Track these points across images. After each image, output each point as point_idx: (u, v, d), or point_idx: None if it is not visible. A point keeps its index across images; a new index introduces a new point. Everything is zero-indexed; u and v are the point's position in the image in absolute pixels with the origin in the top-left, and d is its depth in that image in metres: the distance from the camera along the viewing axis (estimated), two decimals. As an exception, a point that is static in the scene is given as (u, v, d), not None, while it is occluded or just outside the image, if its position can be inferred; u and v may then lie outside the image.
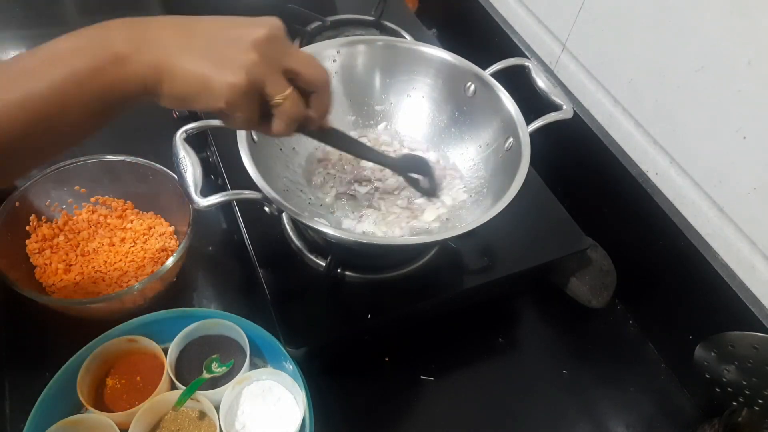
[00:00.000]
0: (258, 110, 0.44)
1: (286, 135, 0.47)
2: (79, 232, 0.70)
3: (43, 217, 0.69)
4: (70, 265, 0.67)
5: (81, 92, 0.39)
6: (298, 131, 0.48)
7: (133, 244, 0.70)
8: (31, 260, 0.67)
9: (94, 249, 0.68)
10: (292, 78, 0.44)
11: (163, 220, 0.72)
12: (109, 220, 0.71)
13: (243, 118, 0.43)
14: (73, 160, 0.68)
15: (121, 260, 0.68)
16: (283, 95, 0.43)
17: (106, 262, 0.68)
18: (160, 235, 0.70)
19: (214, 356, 0.60)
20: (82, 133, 0.42)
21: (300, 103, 0.45)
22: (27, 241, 0.67)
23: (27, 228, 0.67)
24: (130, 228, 0.71)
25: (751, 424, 0.61)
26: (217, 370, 0.59)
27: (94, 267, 0.67)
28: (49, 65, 0.39)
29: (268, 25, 0.43)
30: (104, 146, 0.71)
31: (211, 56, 0.41)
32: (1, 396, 0.60)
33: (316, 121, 0.48)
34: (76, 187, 0.70)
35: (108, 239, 0.70)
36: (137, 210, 0.73)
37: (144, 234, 0.70)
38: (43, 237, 0.68)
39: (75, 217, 0.71)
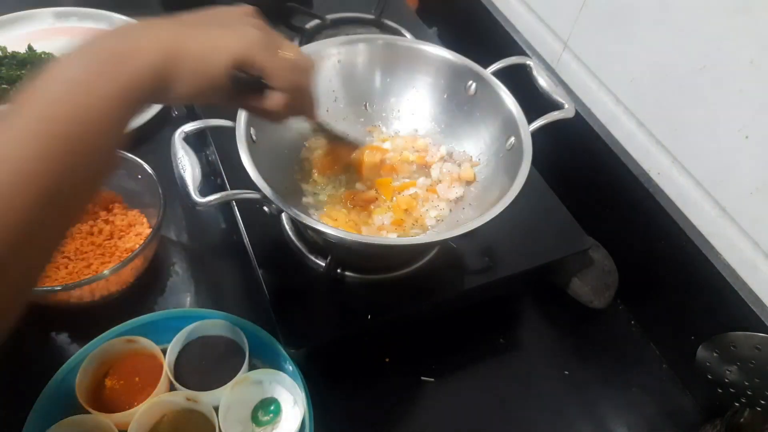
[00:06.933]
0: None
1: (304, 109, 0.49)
2: None
3: None
4: None
5: (97, 103, 0.35)
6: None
7: (109, 237, 0.69)
8: None
9: (71, 234, 0.68)
10: None
11: (145, 219, 0.72)
12: (96, 209, 0.71)
13: (279, 67, 0.42)
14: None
15: (92, 251, 0.68)
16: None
17: (77, 249, 0.67)
18: (136, 235, 0.70)
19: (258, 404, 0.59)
20: (108, 152, 0.38)
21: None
22: None
23: None
24: (112, 221, 0.71)
25: (753, 425, 0.61)
26: (264, 419, 0.58)
27: (63, 252, 0.67)
28: (61, 90, 0.35)
29: (250, 8, 0.45)
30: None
31: (216, 26, 0.41)
32: None
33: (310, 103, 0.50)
34: None
35: (89, 227, 0.69)
36: (125, 205, 0.73)
37: (122, 231, 0.70)
38: None
39: None
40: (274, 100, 0.44)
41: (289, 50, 0.44)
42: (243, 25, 0.42)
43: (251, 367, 0.60)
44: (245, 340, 0.59)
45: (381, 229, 0.61)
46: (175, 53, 0.38)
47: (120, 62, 0.36)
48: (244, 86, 0.43)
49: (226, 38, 0.40)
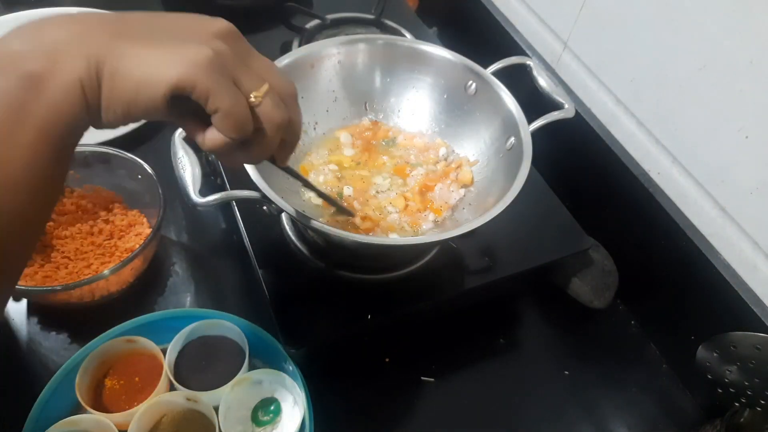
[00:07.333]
0: (245, 99, 0.34)
1: (269, 152, 0.37)
2: (64, 215, 0.70)
3: None
4: (45, 246, 0.67)
5: (16, 149, 0.29)
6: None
7: (109, 237, 0.69)
8: None
9: (71, 234, 0.68)
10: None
11: (145, 219, 0.72)
12: (96, 209, 0.71)
13: (229, 107, 0.32)
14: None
15: (92, 251, 0.68)
16: (261, 90, 0.34)
17: (77, 249, 0.67)
18: (136, 235, 0.70)
19: (258, 404, 0.59)
20: (44, 198, 0.32)
21: (282, 104, 0.36)
22: None
23: None
24: (112, 221, 0.70)
25: (753, 425, 0.61)
26: (264, 419, 0.58)
27: (63, 252, 0.67)
28: None
29: (226, 21, 0.35)
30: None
31: (165, 40, 0.32)
32: (-1, 396, 0.60)
33: (295, 139, 0.40)
34: (71, 171, 0.70)
35: (89, 227, 0.69)
36: (125, 205, 0.73)
37: (122, 231, 0.70)
38: None
39: (64, 200, 0.70)
40: (209, 138, 0.35)
41: (266, 71, 0.35)
42: (199, 42, 0.32)
43: (251, 367, 0.60)
44: (245, 340, 0.59)
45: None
46: (104, 71, 0.30)
47: (35, 89, 0.29)
48: (186, 114, 0.35)
49: (169, 60, 0.31)
